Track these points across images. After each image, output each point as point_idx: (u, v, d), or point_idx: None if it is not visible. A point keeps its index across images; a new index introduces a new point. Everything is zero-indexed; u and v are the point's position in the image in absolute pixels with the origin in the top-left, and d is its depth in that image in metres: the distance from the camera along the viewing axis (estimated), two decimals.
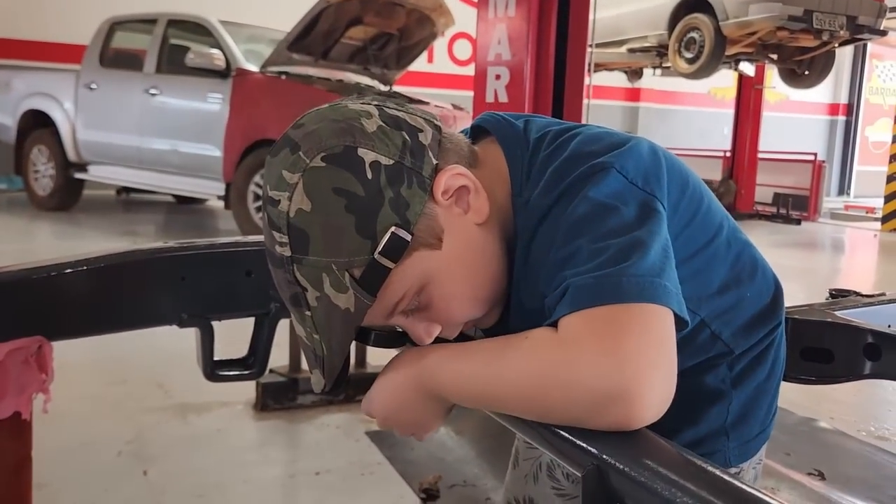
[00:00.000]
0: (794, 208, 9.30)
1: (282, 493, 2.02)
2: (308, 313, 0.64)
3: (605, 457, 0.50)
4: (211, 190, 5.89)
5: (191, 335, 1.04)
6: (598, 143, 0.68)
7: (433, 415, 0.69)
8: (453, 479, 2.02)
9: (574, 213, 0.63)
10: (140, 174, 6.29)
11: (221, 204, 5.97)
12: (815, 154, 9.87)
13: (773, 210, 9.38)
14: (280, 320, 1.07)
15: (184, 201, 7.83)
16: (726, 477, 0.47)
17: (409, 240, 0.63)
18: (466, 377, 0.63)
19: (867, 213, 10.13)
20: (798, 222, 9.06)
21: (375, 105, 0.67)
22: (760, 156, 9.60)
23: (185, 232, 6.31)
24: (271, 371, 2.45)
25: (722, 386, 0.77)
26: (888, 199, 8.83)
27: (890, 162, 8.94)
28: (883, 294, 1.73)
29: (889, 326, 1.47)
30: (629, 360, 0.53)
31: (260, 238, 1.19)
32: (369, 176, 0.62)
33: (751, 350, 0.77)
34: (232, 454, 2.17)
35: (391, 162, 0.63)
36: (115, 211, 7.51)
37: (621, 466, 0.48)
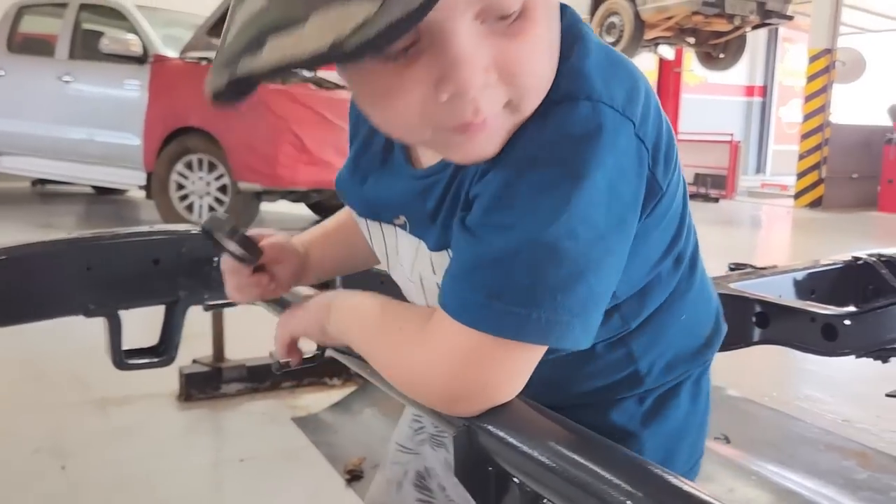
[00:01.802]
0: (713, 187, 9.66)
1: (206, 481, 2.02)
2: None
3: (475, 419, 0.54)
4: (131, 180, 5.74)
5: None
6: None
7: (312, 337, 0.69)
8: (377, 460, 2.07)
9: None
10: (55, 165, 6.07)
11: (142, 194, 5.82)
12: (732, 135, 10.25)
13: (695, 189, 9.72)
14: (190, 307, 1.09)
15: (104, 192, 7.59)
16: (594, 437, 0.51)
17: None
18: (351, 336, 0.63)
19: (781, 190, 10.60)
20: (716, 201, 9.41)
21: None
22: (681, 137, 9.91)
23: (105, 223, 6.13)
24: (195, 361, 2.44)
25: (629, 425, 0.65)
26: (800, 176, 9.25)
27: (801, 140, 9.37)
28: (775, 266, 1.85)
29: (779, 296, 1.58)
30: (474, 391, 0.53)
31: (168, 227, 1.21)
32: None
33: (666, 383, 0.66)
34: (154, 445, 2.15)
35: None
36: (31, 203, 7.23)
37: (490, 427, 0.52)
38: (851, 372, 2.93)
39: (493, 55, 0.48)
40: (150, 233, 1.07)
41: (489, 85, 0.48)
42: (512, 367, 0.53)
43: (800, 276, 1.75)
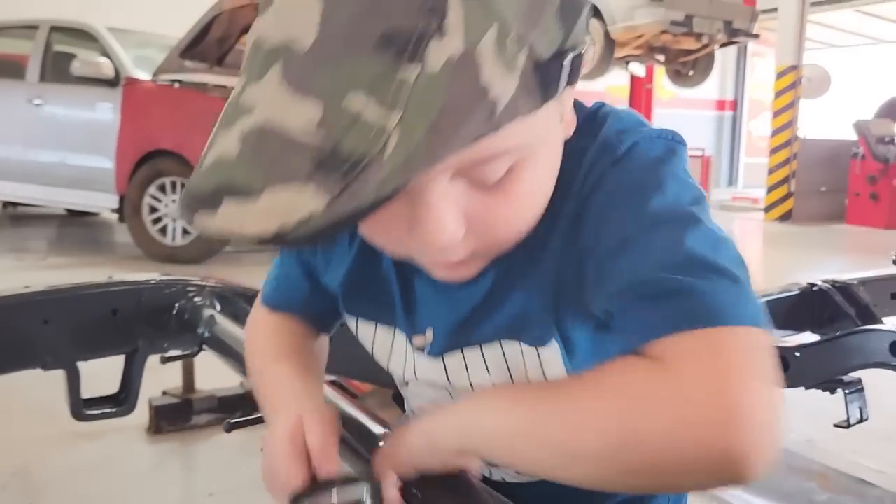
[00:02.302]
0: None
1: None
2: (412, 71, 0.38)
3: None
4: (103, 203, 5.70)
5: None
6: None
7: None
8: None
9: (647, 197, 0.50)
10: (26, 188, 6.01)
11: (115, 216, 5.79)
12: (704, 149, 10.38)
13: None
14: (149, 356, 1.10)
15: (76, 214, 7.52)
16: None
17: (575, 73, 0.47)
18: (517, 433, 0.46)
19: (752, 203, 10.74)
20: None
21: None
22: None
23: (78, 247, 6.08)
24: (164, 393, 2.43)
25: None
26: (770, 189, 9.40)
27: (770, 154, 9.52)
28: None
29: None
30: (745, 415, 0.40)
31: (126, 277, 1.22)
32: None
33: None
34: (124, 480, 2.15)
35: None
36: (2, 226, 7.15)
37: None
38: (814, 391, 2.98)
39: (469, 211, 0.47)
40: (108, 284, 1.09)
41: (460, 237, 0.47)
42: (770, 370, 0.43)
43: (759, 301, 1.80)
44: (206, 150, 0.43)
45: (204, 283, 1.15)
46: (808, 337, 1.51)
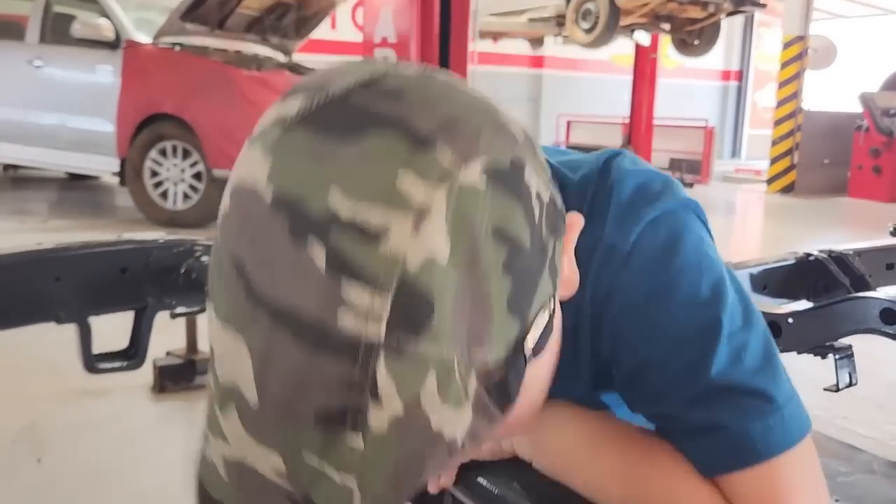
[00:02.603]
0: (688, 172, 9.76)
1: (180, 473, 2.07)
2: (356, 443, 0.35)
3: None
4: (105, 166, 5.70)
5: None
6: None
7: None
8: None
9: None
10: (27, 150, 6.00)
11: (117, 180, 5.80)
12: (707, 120, 10.34)
13: (670, 174, 9.79)
14: (158, 313, 1.13)
15: (77, 178, 7.53)
16: None
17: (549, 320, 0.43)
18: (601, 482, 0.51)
19: (755, 175, 10.73)
20: (691, 186, 9.52)
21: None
22: (657, 122, 9.98)
23: (79, 210, 6.10)
24: (168, 353, 2.47)
25: None
26: (773, 161, 9.38)
27: (774, 126, 9.48)
28: (729, 262, 1.92)
29: None
30: None
31: (135, 237, 1.24)
32: (536, 215, 0.39)
33: None
34: (129, 437, 2.19)
35: (548, 197, 0.42)
36: (3, 189, 7.16)
37: None
38: (805, 356, 3.02)
39: None
40: (117, 243, 1.11)
41: None
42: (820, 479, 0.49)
43: (754, 270, 1.82)
44: (204, 440, 0.42)
45: (210, 244, 1.17)
46: (803, 305, 1.54)
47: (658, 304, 0.48)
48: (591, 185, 0.52)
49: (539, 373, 0.45)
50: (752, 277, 1.81)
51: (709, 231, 0.53)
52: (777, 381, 0.48)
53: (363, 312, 0.33)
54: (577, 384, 0.55)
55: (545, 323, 0.41)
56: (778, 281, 1.83)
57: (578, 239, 0.47)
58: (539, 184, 0.40)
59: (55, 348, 2.77)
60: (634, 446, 0.51)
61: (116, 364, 1.13)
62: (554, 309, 0.43)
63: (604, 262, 0.50)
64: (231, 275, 0.36)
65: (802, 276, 1.85)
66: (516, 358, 0.39)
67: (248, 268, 0.35)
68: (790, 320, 1.41)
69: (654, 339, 0.48)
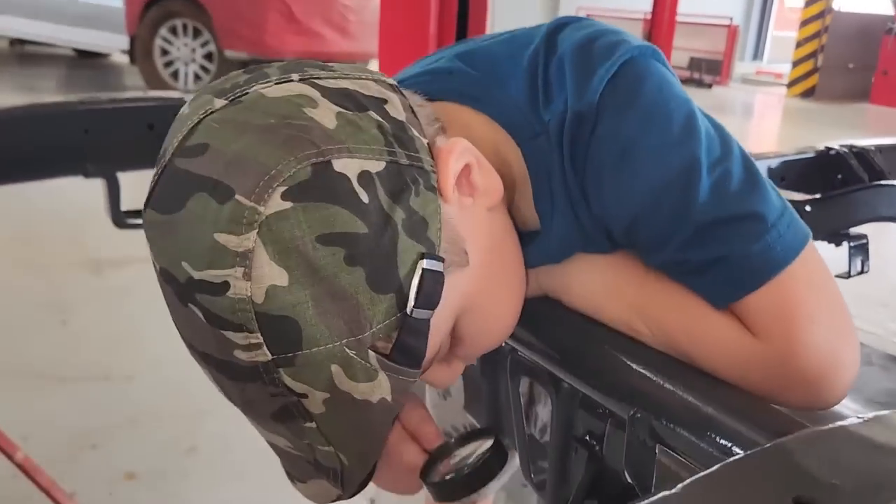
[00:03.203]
0: (707, 72, 9.52)
1: None
2: (311, 424, 0.43)
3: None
4: (113, 43, 5.59)
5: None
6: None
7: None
8: None
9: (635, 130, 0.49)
10: (34, 25, 5.88)
11: (125, 59, 5.70)
12: (731, 18, 9.99)
13: (688, 75, 9.59)
14: None
15: (85, 55, 7.39)
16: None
17: (443, 268, 0.44)
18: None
19: (776, 78, 10.47)
20: (710, 87, 9.31)
21: (300, 79, 0.44)
22: (678, 19, 9.65)
23: (88, 87, 6.02)
24: None
25: None
26: (795, 64, 9.13)
27: (800, 27, 9.17)
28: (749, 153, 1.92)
29: None
30: (820, 350, 0.46)
31: (161, 94, 1.24)
32: (365, 198, 0.40)
33: None
34: (148, 305, 2.26)
35: (382, 165, 0.42)
36: (10, 64, 7.05)
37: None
38: (819, 244, 3.05)
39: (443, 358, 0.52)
40: (144, 98, 1.11)
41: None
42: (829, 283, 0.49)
43: (772, 163, 1.81)
44: None
45: None
46: (821, 194, 1.54)
47: (632, 158, 0.48)
48: (540, 62, 0.51)
49: (474, 288, 0.48)
50: (771, 170, 1.80)
51: (670, 70, 0.52)
52: (765, 200, 0.48)
53: (247, 347, 0.40)
54: (597, 249, 0.55)
55: (429, 274, 0.43)
56: (796, 174, 1.82)
57: (548, 119, 0.50)
58: (362, 163, 0.41)
59: (74, 217, 2.82)
60: (652, 286, 0.52)
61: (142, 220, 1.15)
62: (439, 250, 0.44)
63: (575, 132, 0.49)
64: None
65: (821, 170, 1.84)
66: (403, 321, 0.42)
67: (175, 323, 0.44)
68: (808, 208, 1.42)
69: (637, 193, 0.48)
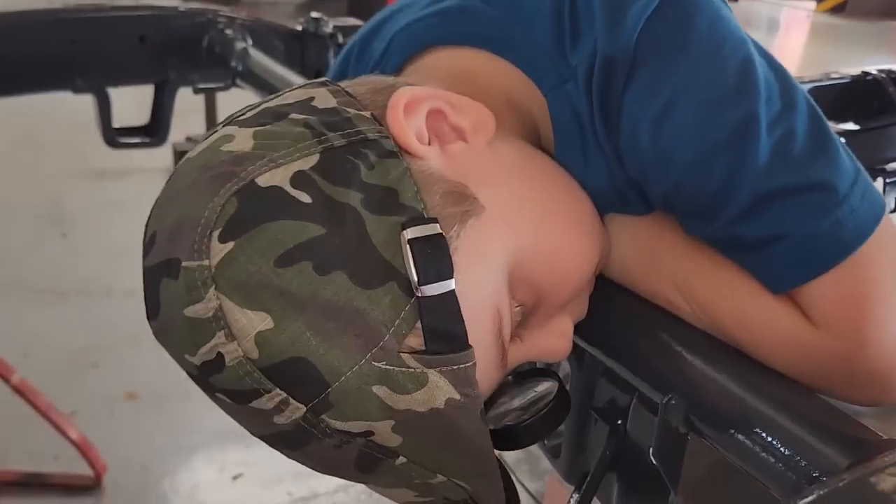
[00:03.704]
0: None
1: None
2: (402, 460, 0.38)
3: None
4: None
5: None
6: None
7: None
8: None
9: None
10: None
11: None
12: None
13: None
14: (179, 88, 1.07)
15: None
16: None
17: (440, 229, 0.37)
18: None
19: None
20: None
21: (223, 125, 0.41)
22: None
23: None
24: (188, 139, 2.44)
25: None
26: None
27: None
28: None
29: None
30: (893, 346, 0.41)
31: (154, 3, 1.15)
32: (306, 199, 0.36)
33: None
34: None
35: (316, 158, 0.37)
36: None
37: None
38: None
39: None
40: (134, 8, 1.03)
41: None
42: None
43: (804, 88, 1.72)
44: None
45: (234, 16, 1.08)
46: (856, 126, 1.46)
47: (676, 114, 0.40)
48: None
49: (512, 228, 0.41)
50: None
51: (722, 1, 0.43)
52: (836, 165, 0.40)
53: (278, 409, 0.36)
54: (635, 211, 0.48)
55: (422, 243, 0.36)
56: (829, 101, 1.72)
57: (575, 63, 0.42)
58: (290, 167, 0.36)
59: (74, 127, 2.74)
60: (697, 258, 0.45)
61: (137, 139, 1.08)
62: (429, 212, 0.37)
63: (606, 80, 0.41)
64: None
65: (856, 97, 1.74)
66: (421, 305, 0.36)
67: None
68: (842, 140, 1.35)
69: (681, 156, 0.40)
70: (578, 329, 0.50)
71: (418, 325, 0.36)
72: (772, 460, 0.39)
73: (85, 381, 1.63)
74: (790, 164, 0.40)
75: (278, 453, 0.40)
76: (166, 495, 1.41)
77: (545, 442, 0.63)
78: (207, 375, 0.36)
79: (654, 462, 0.47)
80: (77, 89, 0.99)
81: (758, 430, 0.40)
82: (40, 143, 2.70)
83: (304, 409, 0.35)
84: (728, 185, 0.40)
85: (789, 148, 0.40)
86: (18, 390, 1.32)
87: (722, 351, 0.44)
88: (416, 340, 0.36)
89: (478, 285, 0.38)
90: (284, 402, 0.35)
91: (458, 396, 0.36)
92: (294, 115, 0.39)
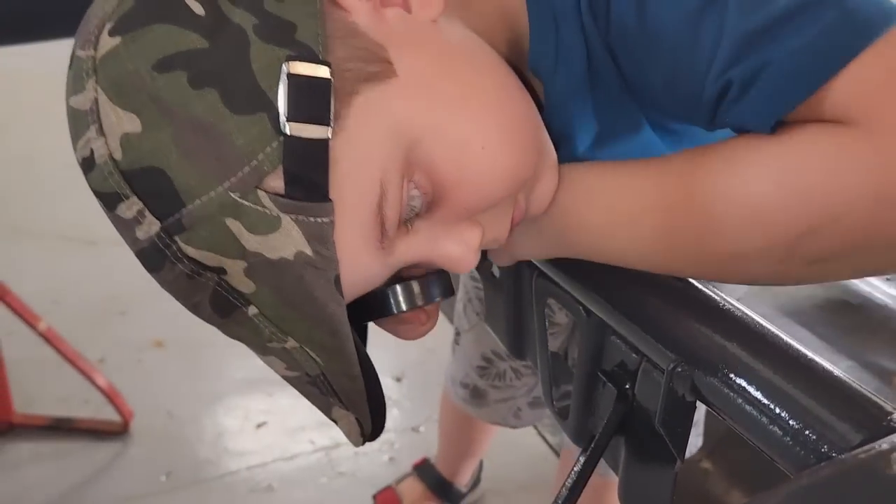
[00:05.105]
0: None
1: None
2: (253, 310, 0.37)
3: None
4: None
5: None
6: None
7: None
8: None
9: None
10: None
11: None
12: None
13: None
14: None
15: None
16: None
17: (329, 74, 0.35)
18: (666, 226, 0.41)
19: None
20: None
21: None
22: None
23: None
24: None
25: None
26: None
27: None
28: None
29: None
30: None
31: None
32: (199, 10, 0.34)
33: None
34: None
35: None
36: None
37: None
38: None
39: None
40: None
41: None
42: None
43: None
44: None
45: None
46: None
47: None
48: None
49: (419, 105, 0.38)
50: None
51: None
52: None
53: (136, 220, 0.35)
54: (634, 131, 0.47)
55: (302, 81, 0.34)
56: None
57: None
58: None
59: None
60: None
61: None
62: (327, 56, 0.35)
63: None
64: None
65: None
66: (286, 145, 0.34)
67: None
68: None
69: (668, 35, 0.39)
70: (586, 288, 0.47)
71: (281, 167, 0.34)
72: (779, 433, 0.37)
73: (113, 329, 1.66)
74: None
75: (301, 403, 0.40)
76: (191, 442, 1.44)
77: (553, 403, 0.61)
78: (86, 174, 0.35)
79: (660, 430, 0.45)
80: None
81: (765, 400, 0.38)
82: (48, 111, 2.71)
83: (159, 225, 0.34)
84: (716, 35, 0.37)
85: None
86: (46, 337, 1.34)
87: (731, 318, 0.41)
88: (276, 182, 0.34)
89: (361, 147, 0.36)
90: (142, 214, 0.34)
91: (309, 252, 0.34)
92: None
